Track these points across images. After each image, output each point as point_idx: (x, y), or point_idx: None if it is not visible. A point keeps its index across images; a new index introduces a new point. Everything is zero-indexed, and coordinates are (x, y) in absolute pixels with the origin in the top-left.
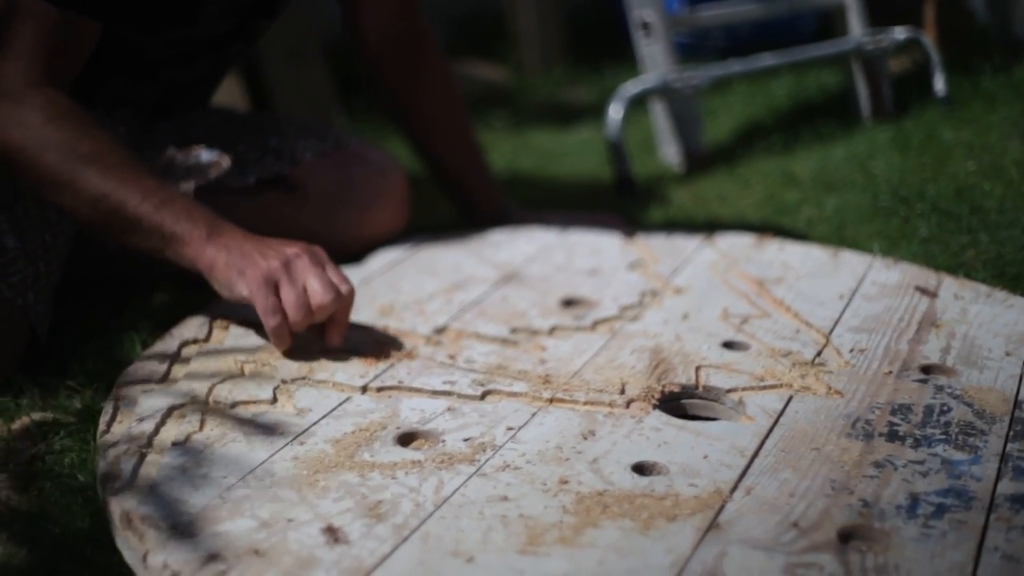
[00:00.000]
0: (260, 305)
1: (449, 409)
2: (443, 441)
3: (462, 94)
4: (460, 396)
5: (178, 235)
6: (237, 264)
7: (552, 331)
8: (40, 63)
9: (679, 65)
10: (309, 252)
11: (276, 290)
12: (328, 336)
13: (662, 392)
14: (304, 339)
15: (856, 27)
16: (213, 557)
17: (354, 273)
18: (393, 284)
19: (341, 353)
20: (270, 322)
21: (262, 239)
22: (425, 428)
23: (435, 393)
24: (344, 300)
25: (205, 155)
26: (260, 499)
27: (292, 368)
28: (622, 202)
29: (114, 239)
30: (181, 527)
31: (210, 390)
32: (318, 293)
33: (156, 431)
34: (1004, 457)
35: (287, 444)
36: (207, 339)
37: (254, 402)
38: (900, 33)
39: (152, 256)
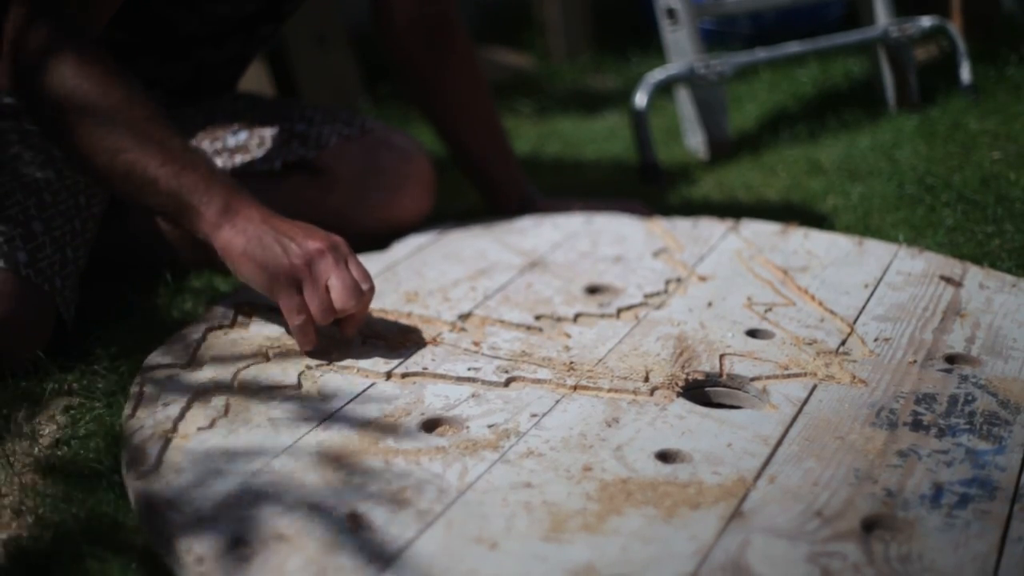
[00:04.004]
0: (284, 305)
1: (473, 395)
2: (467, 427)
3: (487, 80)
4: (484, 383)
5: (193, 206)
6: (258, 256)
7: (577, 318)
8: (76, 4)
9: (704, 52)
10: (332, 248)
11: (299, 289)
12: (344, 328)
13: (686, 380)
14: (326, 326)
15: (882, 15)
16: (238, 542)
17: (379, 259)
18: (418, 270)
19: (366, 339)
20: (296, 321)
21: (280, 223)
22: (449, 414)
23: (459, 379)
24: (366, 299)
25: (231, 139)
26: (284, 484)
27: (316, 354)
28: (647, 189)
29: (130, 197)
30: (206, 512)
31: (235, 375)
32: (341, 295)
33: (181, 416)
34: None
35: (312, 430)
36: (232, 324)
37: (279, 387)
38: (926, 21)
39: (167, 219)
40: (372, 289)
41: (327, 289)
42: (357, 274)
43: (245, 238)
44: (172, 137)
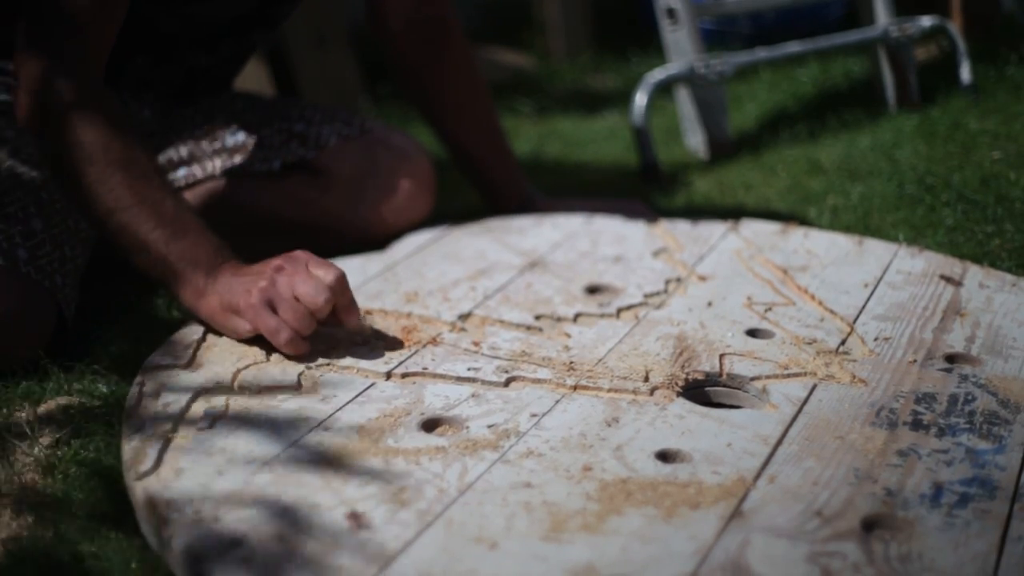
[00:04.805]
0: (264, 329)
1: (473, 395)
2: (467, 427)
3: (486, 80)
4: (484, 383)
5: (179, 274)
6: (229, 302)
7: (576, 318)
8: (79, 42)
9: (704, 52)
10: (287, 260)
11: (274, 309)
12: (343, 322)
13: (686, 380)
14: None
15: (882, 15)
16: (237, 542)
17: (379, 259)
18: (418, 270)
19: (366, 339)
20: (280, 339)
21: (246, 268)
22: (449, 414)
23: (459, 379)
24: (337, 288)
25: (230, 140)
26: (284, 484)
27: (317, 354)
28: (647, 189)
29: (122, 253)
30: (205, 512)
31: (235, 375)
32: (310, 297)
33: (181, 416)
34: None
35: (312, 430)
36: None
37: (279, 387)
38: (926, 21)
39: (155, 280)
40: (340, 277)
41: (297, 299)
42: (319, 272)
43: (219, 295)
44: (165, 198)
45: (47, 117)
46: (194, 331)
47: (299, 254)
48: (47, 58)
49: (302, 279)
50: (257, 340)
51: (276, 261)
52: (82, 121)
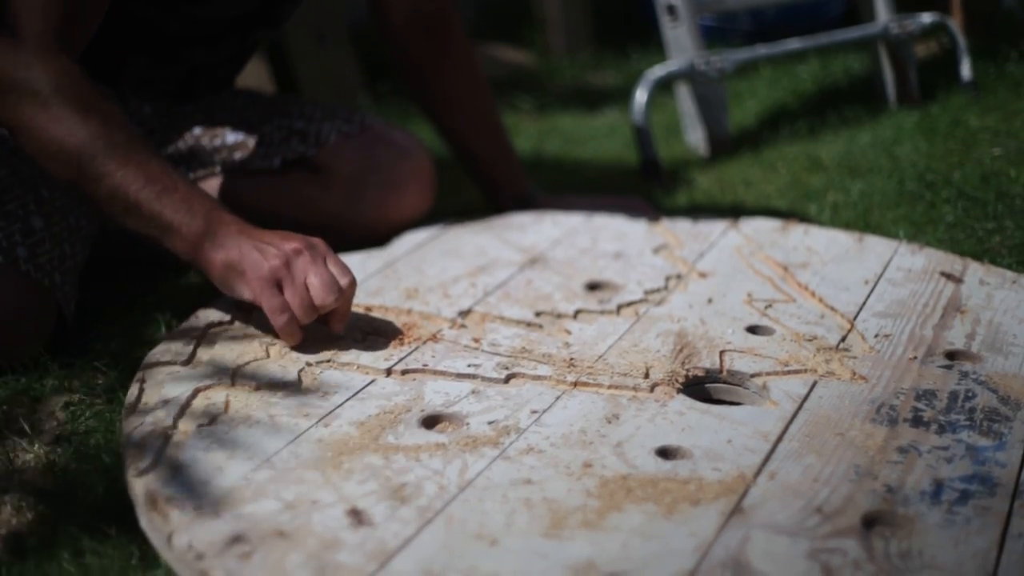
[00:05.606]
0: (267, 306)
1: (473, 392)
2: (467, 424)
3: (487, 77)
4: (484, 379)
5: (175, 227)
6: (237, 264)
7: (577, 315)
8: (54, 27)
9: (705, 49)
10: (308, 247)
11: (280, 289)
12: (331, 325)
13: (686, 376)
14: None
15: (882, 11)
16: (237, 538)
17: (379, 256)
18: (418, 267)
19: (366, 336)
20: (279, 321)
21: (258, 232)
22: (449, 411)
23: (459, 376)
24: (345, 294)
25: (230, 137)
26: (284, 481)
27: (317, 351)
28: (647, 186)
29: (115, 220)
30: (205, 508)
31: (235, 372)
32: (320, 292)
33: (181, 412)
34: None
35: (312, 426)
36: (232, 321)
37: (279, 384)
38: (926, 18)
39: (151, 242)
40: (353, 284)
41: (306, 287)
42: (336, 270)
43: (225, 251)
44: (151, 159)
45: (20, 99)
46: (195, 327)
47: (320, 244)
48: (17, 38)
49: (317, 271)
50: (256, 338)
51: (295, 243)
52: (58, 97)
